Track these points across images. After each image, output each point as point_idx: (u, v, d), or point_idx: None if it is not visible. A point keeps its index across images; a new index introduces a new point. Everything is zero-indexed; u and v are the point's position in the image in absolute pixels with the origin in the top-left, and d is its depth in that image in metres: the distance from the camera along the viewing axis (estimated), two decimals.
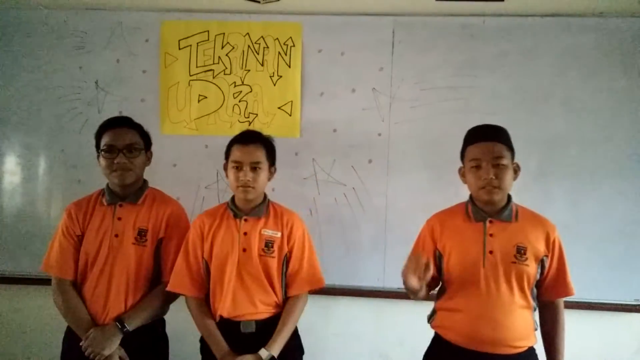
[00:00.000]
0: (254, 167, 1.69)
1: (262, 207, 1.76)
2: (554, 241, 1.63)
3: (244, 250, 1.69)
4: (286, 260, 1.75)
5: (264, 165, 1.72)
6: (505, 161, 1.58)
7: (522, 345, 1.58)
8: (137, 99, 2.30)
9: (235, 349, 1.66)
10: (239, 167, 1.69)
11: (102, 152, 1.73)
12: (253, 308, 1.68)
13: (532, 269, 1.58)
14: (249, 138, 1.73)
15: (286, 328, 1.69)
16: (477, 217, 1.64)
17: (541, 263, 1.61)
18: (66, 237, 1.75)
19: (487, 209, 1.63)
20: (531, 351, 1.61)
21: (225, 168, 1.77)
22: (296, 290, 1.75)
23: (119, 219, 1.75)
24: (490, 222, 1.62)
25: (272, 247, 1.71)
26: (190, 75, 2.28)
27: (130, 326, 1.69)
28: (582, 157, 2.21)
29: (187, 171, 2.29)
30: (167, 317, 1.87)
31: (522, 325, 1.58)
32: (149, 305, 1.75)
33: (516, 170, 1.64)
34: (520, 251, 1.58)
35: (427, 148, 2.24)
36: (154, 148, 1.86)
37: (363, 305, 2.20)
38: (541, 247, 1.61)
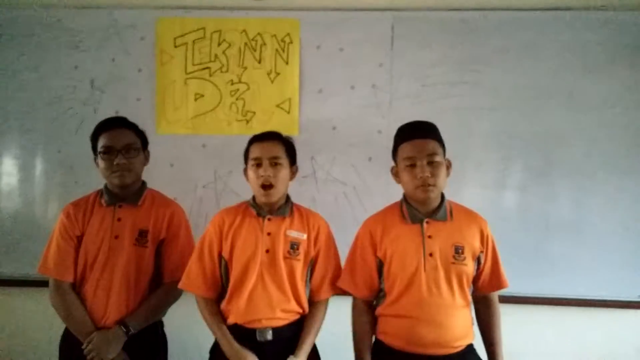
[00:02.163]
0: (274, 163, 1.64)
1: (287, 207, 1.70)
2: (487, 236, 1.64)
3: (267, 251, 1.64)
4: (312, 265, 1.70)
5: (284, 161, 1.66)
6: (439, 158, 1.58)
7: (463, 344, 1.59)
8: (133, 98, 2.28)
9: None
10: (259, 163, 1.64)
11: (100, 154, 1.71)
12: (270, 313, 1.61)
13: (470, 268, 1.59)
14: (267, 135, 1.70)
15: (312, 334, 1.66)
16: (414, 219, 1.62)
17: (477, 260, 1.62)
18: (65, 238, 1.73)
19: (422, 208, 1.62)
20: (470, 348, 1.62)
21: (246, 172, 1.72)
22: (324, 294, 1.70)
23: (119, 220, 1.73)
24: (427, 222, 1.61)
25: (298, 249, 1.66)
26: (187, 74, 2.26)
27: (134, 329, 1.68)
28: (585, 153, 2.20)
29: (184, 171, 2.27)
30: (165, 318, 1.86)
31: (462, 324, 1.59)
32: (152, 307, 1.74)
33: (448, 166, 1.62)
34: (459, 251, 1.58)
35: None
36: (150, 148, 1.85)
37: None
38: (477, 244, 1.61)
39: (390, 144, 2.20)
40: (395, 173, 1.67)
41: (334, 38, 2.23)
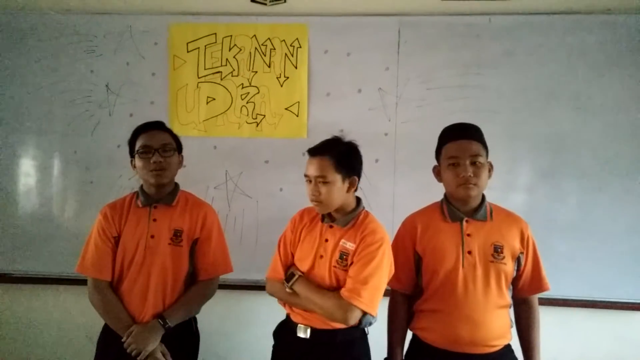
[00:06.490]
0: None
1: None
2: (527, 238, 1.63)
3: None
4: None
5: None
6: (482, 159, 1.59)
7: (499, 344, 1.59)
8: (147, 102, 2.33)
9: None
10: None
11: (139, 153, 1.77)
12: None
13: (509, 267, 1.59)
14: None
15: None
16: (453, 217, 1.64)
17: (517, 260, 1.62)
18: (102, 239, 1.78)
19: (463, 208, 1.64)
20: (508, 348, 1.62)
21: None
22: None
23: (154, 220, 1.79)
24: (467, 221, 1.62)
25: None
26: (199, 78, 2.31)
27: (172, 322, 1.72)
28: (590, 156, 2.21)
29: (196, 172, 2.31)
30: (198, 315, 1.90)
31: (500, 324, 1.59)
32: (188, 302, 1.79)
33: (490, 169, 1.64)
34: (498, 250, 1.59)
35: (434, 147, 2.21)
36: None
37: None
38: (517, 245, 1.62)
39: (396, 146, 2.27)
40: (437, 172, 1.69)
41: (341, 42, 2.27)
